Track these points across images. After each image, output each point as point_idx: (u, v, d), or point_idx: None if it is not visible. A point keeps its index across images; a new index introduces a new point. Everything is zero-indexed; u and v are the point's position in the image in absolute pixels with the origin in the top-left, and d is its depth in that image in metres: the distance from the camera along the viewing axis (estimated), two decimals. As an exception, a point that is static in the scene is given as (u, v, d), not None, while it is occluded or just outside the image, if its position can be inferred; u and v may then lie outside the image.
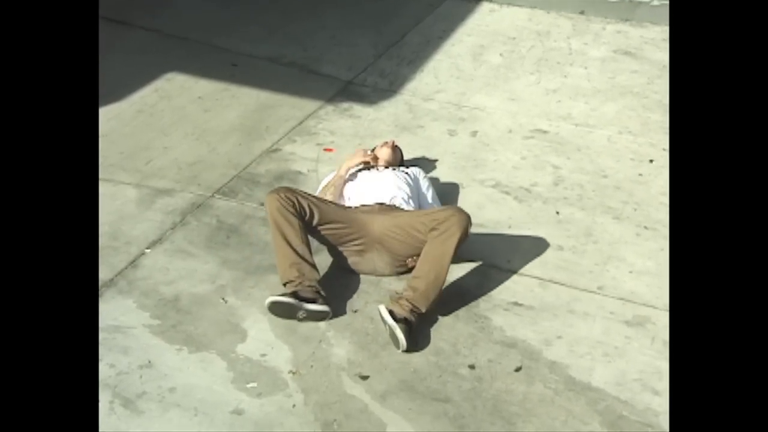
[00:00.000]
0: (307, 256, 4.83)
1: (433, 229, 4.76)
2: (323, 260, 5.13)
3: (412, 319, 4.63)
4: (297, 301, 4.68)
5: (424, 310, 4.69)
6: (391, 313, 4.61)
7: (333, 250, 5.16)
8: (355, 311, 4.86)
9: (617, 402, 4.40)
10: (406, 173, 5.53)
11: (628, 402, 4.40)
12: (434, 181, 5.98)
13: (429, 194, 5.54)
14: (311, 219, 4.92)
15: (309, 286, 4.75)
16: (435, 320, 4.69)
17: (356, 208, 5.19)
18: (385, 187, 5.31)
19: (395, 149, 5.84)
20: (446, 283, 4.97)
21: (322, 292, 4.77)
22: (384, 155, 5.71)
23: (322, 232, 5.01)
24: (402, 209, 5.17)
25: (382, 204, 5.18)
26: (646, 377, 4.55)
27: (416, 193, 5.42)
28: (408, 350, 4.56)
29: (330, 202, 5.20)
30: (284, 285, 4.79)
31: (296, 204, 4.86)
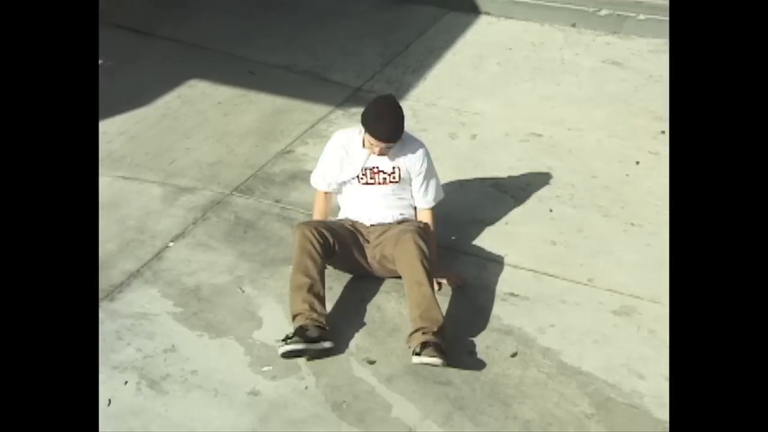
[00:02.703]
0: (320, 291, 4.64)
1: (399, 266, 4.72)
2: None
3: (437, 340, 4.47)
4: (304, 345, 4.47)
5: (436, 329, 4.50)
6: (424, 348, 4.45)
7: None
8: (362, 300, 4.85)
9: (605, 385, 4.41)
10: (397, 179, 5.03)
11: (615, 385, 4.41)
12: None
13: (425, 186, 5.07)
14: (332, 253, 4.81)
15: (316, 323, 4.54)
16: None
17: (354, 231, 5.01)
18: (375, 208, 5.06)
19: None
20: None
21: (327, 327, 4.57)
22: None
23: (338, 263, 5.00)
24: (392, 228, 4.96)
25: (375, 225, 5.03)
26: (632, 362, 4.55)
27: (410, 195, 5.13)
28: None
29: (346, 234, 4.93)
30: (294, 317, 4.60)
31: (326, 243, 4.71)
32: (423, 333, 4.46)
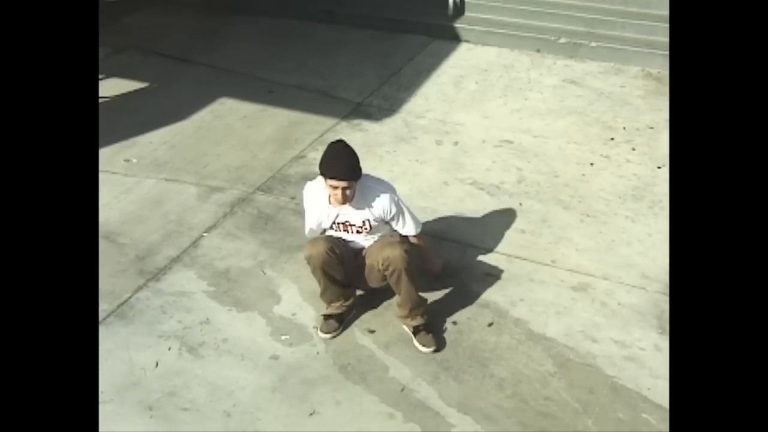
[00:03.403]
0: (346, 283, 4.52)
1: (384, 273, 4.37)
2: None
3: (423, 322, 4.48)
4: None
5: (420, 313, 4.48)
6: (416, 334, 4.47)
7: None
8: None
9: (566, 348, 4.44)
10: (369, 228, 4.45)
11: (573, 348, 4.44)
12: (424, 181, 5.99)
13: (401, 223, 4.49)
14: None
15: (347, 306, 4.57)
16: (426, 289, 4.69)
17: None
18: (356, 243, 4.55)
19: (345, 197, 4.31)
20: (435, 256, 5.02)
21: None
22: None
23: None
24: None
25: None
26: (587, 329, 4.58)
27: (388, 230, 4.57)
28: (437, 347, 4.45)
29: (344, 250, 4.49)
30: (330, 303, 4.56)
31: (338, 257, 4.39)
32: (411, 318, 4.48)
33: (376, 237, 4.50)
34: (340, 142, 4.40)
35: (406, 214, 4.50)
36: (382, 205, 4.39)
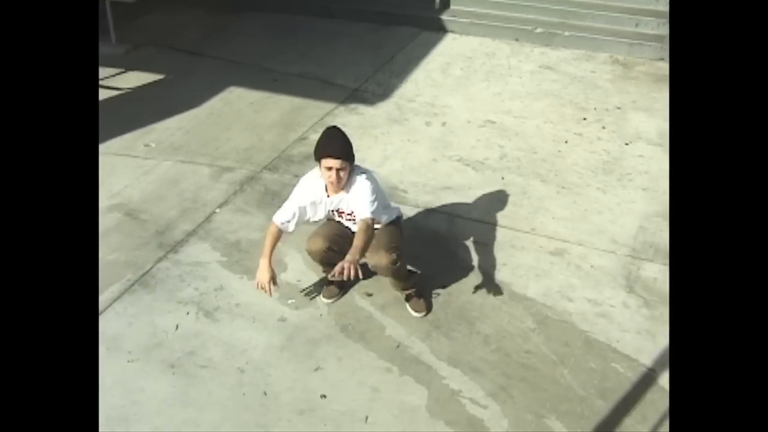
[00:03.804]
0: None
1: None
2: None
3: (414, 290, 4.45)
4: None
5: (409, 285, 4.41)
6: (408, 300, 4.45)
7: None
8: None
9: (544, 307, 4.47)
10: (352, 216, 4.24)
11: (551, 307, 4.47)
12: (415, 158, 5.99)
13: (363, 203, 4.09)
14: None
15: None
16: (418, 256, 4.71)
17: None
18: (348, 226, 4.34)
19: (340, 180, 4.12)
20: (425, 230, 5.03)
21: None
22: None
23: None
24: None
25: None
26: (564, 290, 4.61)
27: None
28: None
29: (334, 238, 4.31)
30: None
31: (336, 253, 4.19)
32: (404, 289, 4.44)
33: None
34: (334, 127, 4.30)
35: (365, 201, 4.08)
36: (363, 196, 4.10)
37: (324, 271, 4.53)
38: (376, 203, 4.11)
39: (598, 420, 3.78)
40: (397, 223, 4.45)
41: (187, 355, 4.13)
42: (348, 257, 3.81)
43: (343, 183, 4.13)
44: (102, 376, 3.94)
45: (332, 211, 4.33)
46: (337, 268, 3.75)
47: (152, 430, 3.69)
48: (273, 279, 4.21)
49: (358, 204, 4.12)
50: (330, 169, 4.05)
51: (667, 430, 3.68)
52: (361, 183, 4.14)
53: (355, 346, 4.21)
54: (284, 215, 4.24)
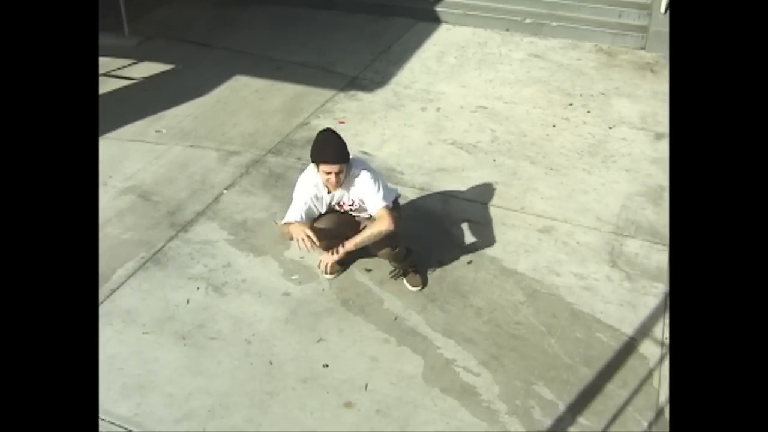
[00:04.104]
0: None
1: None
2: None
3: (411, 266, 4.42)
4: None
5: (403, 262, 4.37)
6: (405, 275, 4.42)
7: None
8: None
9: (533, 281, 4.44)
10: (358, 207, 4.24)
11: (540, 281, 4.44)
12: (411, 142, 5.95)
13: (374, 196, 4.07)
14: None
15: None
16: (414, 234, 4.67)
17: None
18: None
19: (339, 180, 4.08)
20: (421, 209, 4.99)
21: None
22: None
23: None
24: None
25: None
26: (551, 265, 4.58)
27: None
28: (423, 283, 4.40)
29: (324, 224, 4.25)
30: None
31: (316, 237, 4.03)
32: (400, 267, 4.42)
33: (365, 213, 4.26)
34: (328, 130, 4.15)
35: (374, 193, 4.06)
36: (363, 184, 4.07)
37: (325, 249, 4.46)
38: (381, 190, 4.09)
39: (582, 386, 3.76)
40: (396, 208, 4.31)
41: (198, 328, 4.10)
42: (342, 247, 4.06)
43: (342, 182, 4.10)
44: (119, 348, 3.94)
45: (334, 204, 4.26)
46: (324, 258, 4.10)
47: (166, 396, 3.67)
48: (311, 236, 3.99)
49: (368, 200, 4.09)
50: (329, 173, 4.01)
51: (647, 393, 3.69)
52: (362, 179, 4.08)
53: (355, 319, 4.18)
54: (294, 215, 4.12)
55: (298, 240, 4.02)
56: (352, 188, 4.14)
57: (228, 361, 3.89)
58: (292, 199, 4.19)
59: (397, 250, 4.22)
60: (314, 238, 4.00)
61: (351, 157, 4.12)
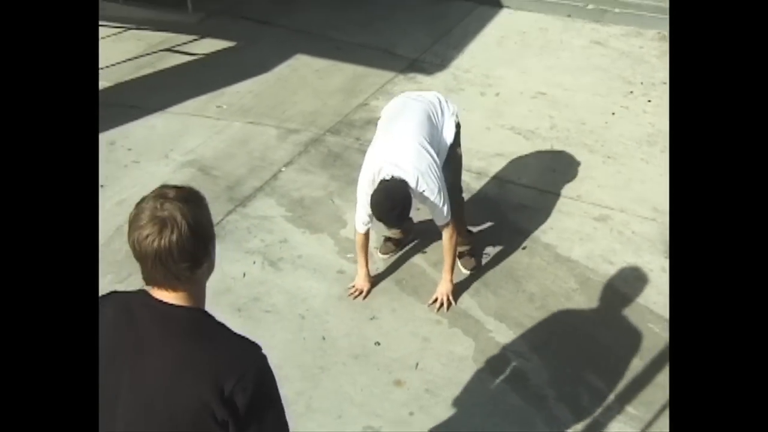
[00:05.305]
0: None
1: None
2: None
3: (467, 248, 4.47)
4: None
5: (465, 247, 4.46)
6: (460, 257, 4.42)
7: None
8: (418, 209, 4.87)
9: (587, 269, 4.44)
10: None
11: (593, 269, 4.44)
12: (470, 126, 5.91)
13: (437, 211, 3.95)
14: None
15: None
16: (469, 219, 4.69)
17: None
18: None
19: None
20: (478, 194, 5.02)
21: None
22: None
23: None
24: None
25: None
26: (606, 254, 4.57)
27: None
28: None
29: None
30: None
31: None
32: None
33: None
34: (390, 188, 3.74)
35: (438, 208, 3.91)
36: (428, 198, 3.85)
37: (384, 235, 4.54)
38: (445, 203, 3.88)
39: (633, 376, 3.78)
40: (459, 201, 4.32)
41: (253, 301, 4.20)
42: (441, 288, 4.16)
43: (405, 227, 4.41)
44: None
45: None
46: (438, 302, 4.15)
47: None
48: (368, 289, 4.28)
49: (433, 214, 4.01)
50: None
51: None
52: (428, 193, 3.84)
53: (408, 299, 4.24)
54: (362, 220, 4.07)
55: (355, 288, 4.26)
56: (415, 199, 3.92)
57: (282, 334, 3.99)
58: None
59: (453, 238, 4.11)
60: (366, 294, 4.26)
61: (415, 159, 3.82)
